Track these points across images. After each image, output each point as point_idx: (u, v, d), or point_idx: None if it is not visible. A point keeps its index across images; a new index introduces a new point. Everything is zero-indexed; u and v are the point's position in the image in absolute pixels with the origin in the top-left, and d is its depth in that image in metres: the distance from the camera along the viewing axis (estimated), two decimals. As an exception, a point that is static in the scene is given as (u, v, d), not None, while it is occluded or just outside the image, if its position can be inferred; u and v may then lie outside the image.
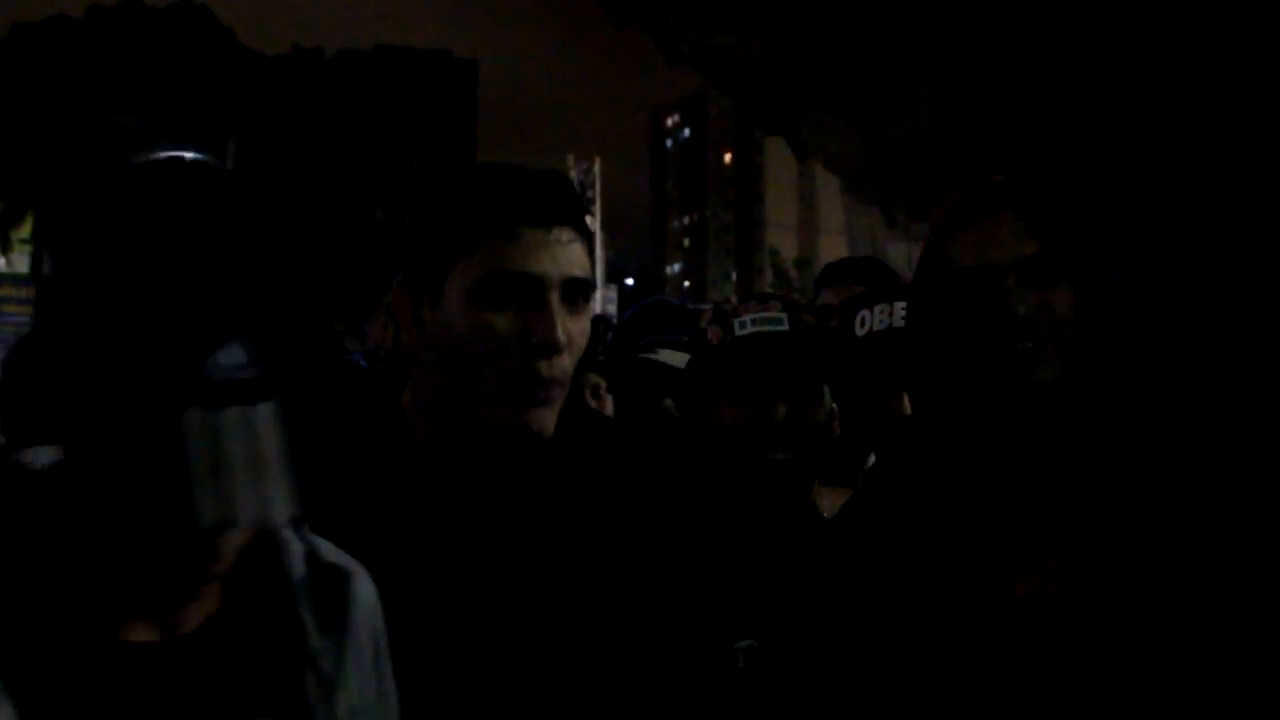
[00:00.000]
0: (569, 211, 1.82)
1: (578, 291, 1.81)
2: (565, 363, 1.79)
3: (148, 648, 1.38)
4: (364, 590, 1.59)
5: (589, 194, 46.83)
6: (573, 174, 46.51)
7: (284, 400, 1.27)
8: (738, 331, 2.35)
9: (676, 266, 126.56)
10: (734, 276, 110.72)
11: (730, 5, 13.35)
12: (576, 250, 1.81)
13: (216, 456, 1.21)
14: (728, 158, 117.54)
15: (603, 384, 4.25)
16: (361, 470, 1.80)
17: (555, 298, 1.77)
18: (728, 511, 2.22)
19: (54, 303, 1.30)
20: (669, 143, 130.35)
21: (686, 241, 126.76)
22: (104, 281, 1.25)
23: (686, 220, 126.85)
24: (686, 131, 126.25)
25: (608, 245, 49.57)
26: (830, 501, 2.44)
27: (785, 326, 2.34)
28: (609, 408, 4.13)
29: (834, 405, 2.43)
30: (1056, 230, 1.92)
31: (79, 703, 1.31)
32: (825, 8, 13.05)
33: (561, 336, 1.76)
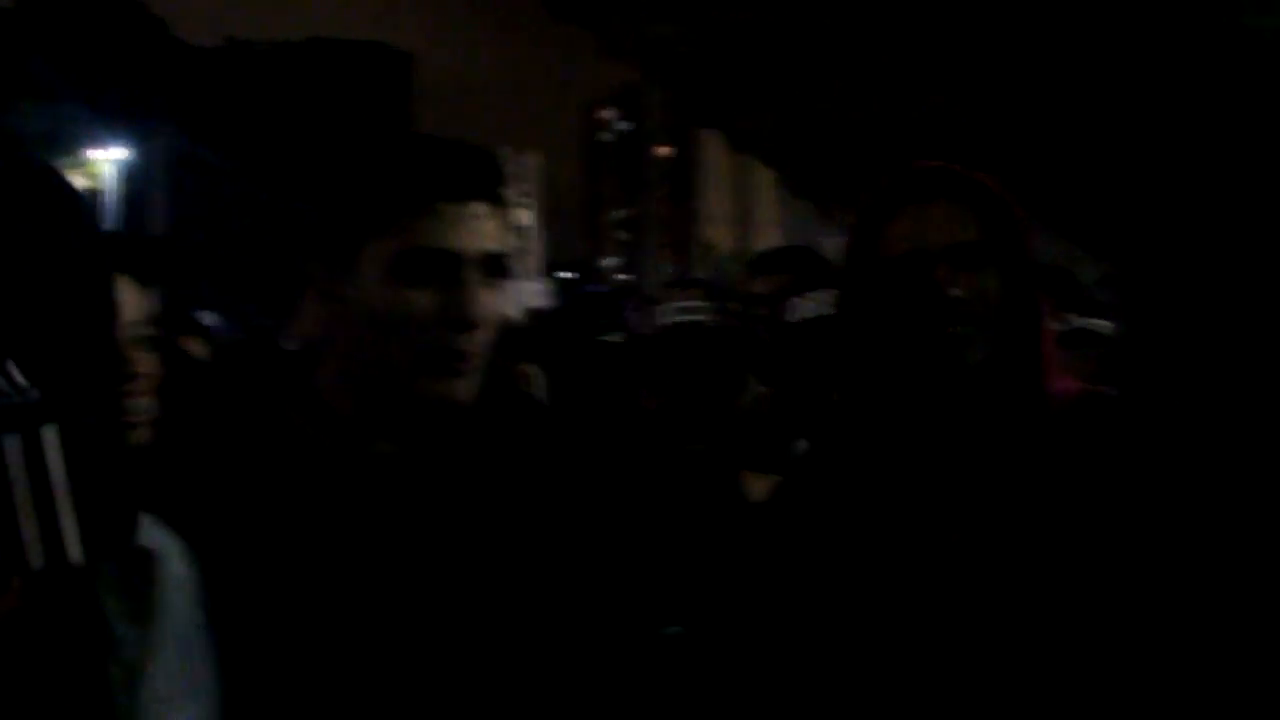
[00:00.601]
0: (486, 185, 1.80)
1: (495, 266, 1.80)
2: (483, 336, 1.78)
3: None
4: (175, 572, 1.55)
5: (525, 187, 46.62)
6: (508, 167, 46.30)
7: (72, 422, 1.16)
8: (659, 320, 2.36)
9: (613, 260, 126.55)
10: (670, 270, 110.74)
11: (667, -2, 13.40)
12: (493, 224, 1.80)
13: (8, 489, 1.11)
14: (664, 151, 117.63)
15: (534, 373, 4.25)
16: (276, 450, 1.79)
17: (473, 273, 1.75)
18: (652, 498, 2.22)
19: None
20: (605, 135, 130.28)
21: (623, 234, 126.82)
22: None
23: (623, 213, 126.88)
24: (624, 124, 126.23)
25: (543, 239, 49.38)
26: (758, 487, 2.44)
27: (706, 316, 2.35)
28: (542, 393, 4.14)
29: (761, 391, 2.44)
30: (991, 214, 1.94)
31: None
32: (763, 1, 13.13)
33: (479, 311, 1.75)
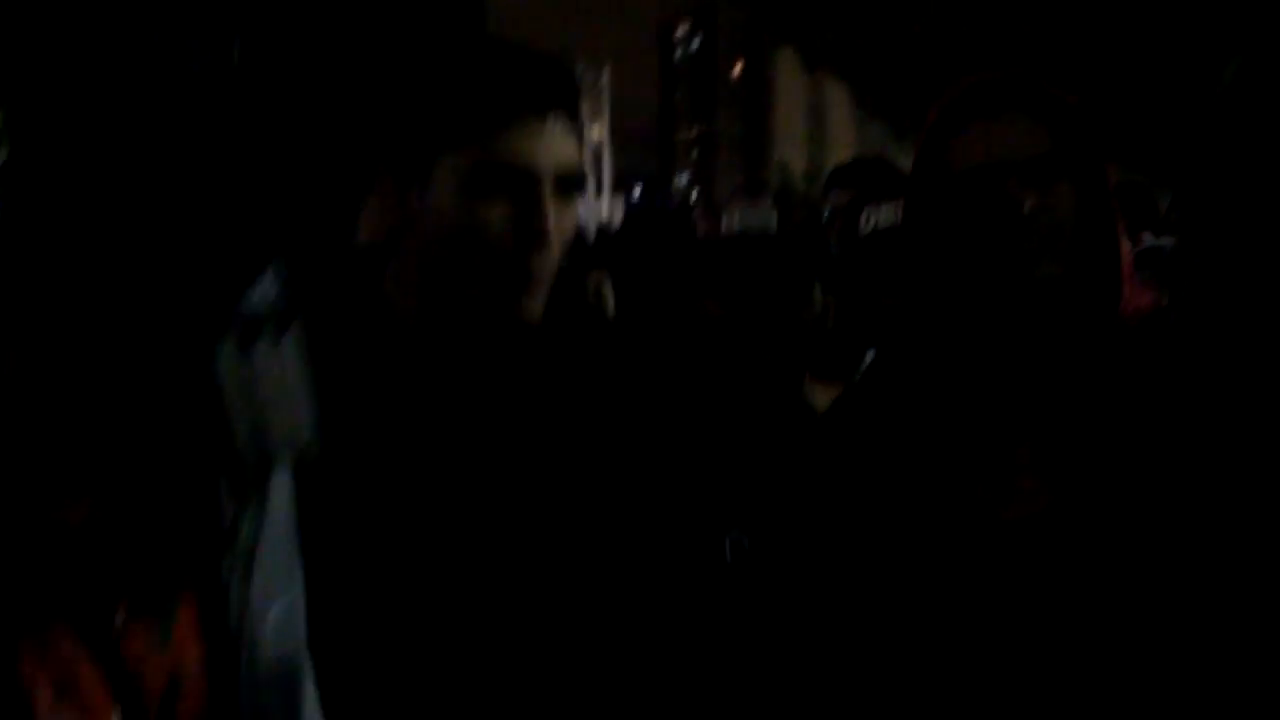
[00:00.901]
0: (564, 99, 1.78)
1: (570, 183, 1.78)
2: (554, 254, 1.77)
3: (71, 527, 1.39)
4: (283, 479, 1.60)
5: (597, 103, 46.39)
6: (581, 82, 46.09)
7: (307, 327, 1.28)
8: (724, 228, 2.35)
9: (684, 178, 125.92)
10: (742, 189, 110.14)
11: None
12: (570, 141, 1.78)
13: (250, 388, 1.24)
14: (737, 68, 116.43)
15: (603, 282, 4.25)
16: (346, 356, 1.80)
17: (547, 190, 1.74)
18: (716, 406, 2.21)
19: (63, 224, 1.27)
20: (678, 52, 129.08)
21: (694, 153, 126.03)
22: (123, 212, 1.23)
23: (695, 131, 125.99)
24: (696, 41, 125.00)
25: (615, 154, 49.20)
26: (824, 397, 2.42)
27: (773, 223, 2.34)
28: (609, 305, 4.14)
29: (826, 301, 2.42)
30: (1064, 127, 1.89)
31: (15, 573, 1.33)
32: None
33: (552, 229, 1.74)
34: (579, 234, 1.92)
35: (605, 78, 46.67)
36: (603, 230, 4.47)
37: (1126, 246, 1.94)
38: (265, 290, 1.28)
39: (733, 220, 2.11)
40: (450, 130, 1.75)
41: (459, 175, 1.74)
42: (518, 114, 1.73)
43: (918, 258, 1.98)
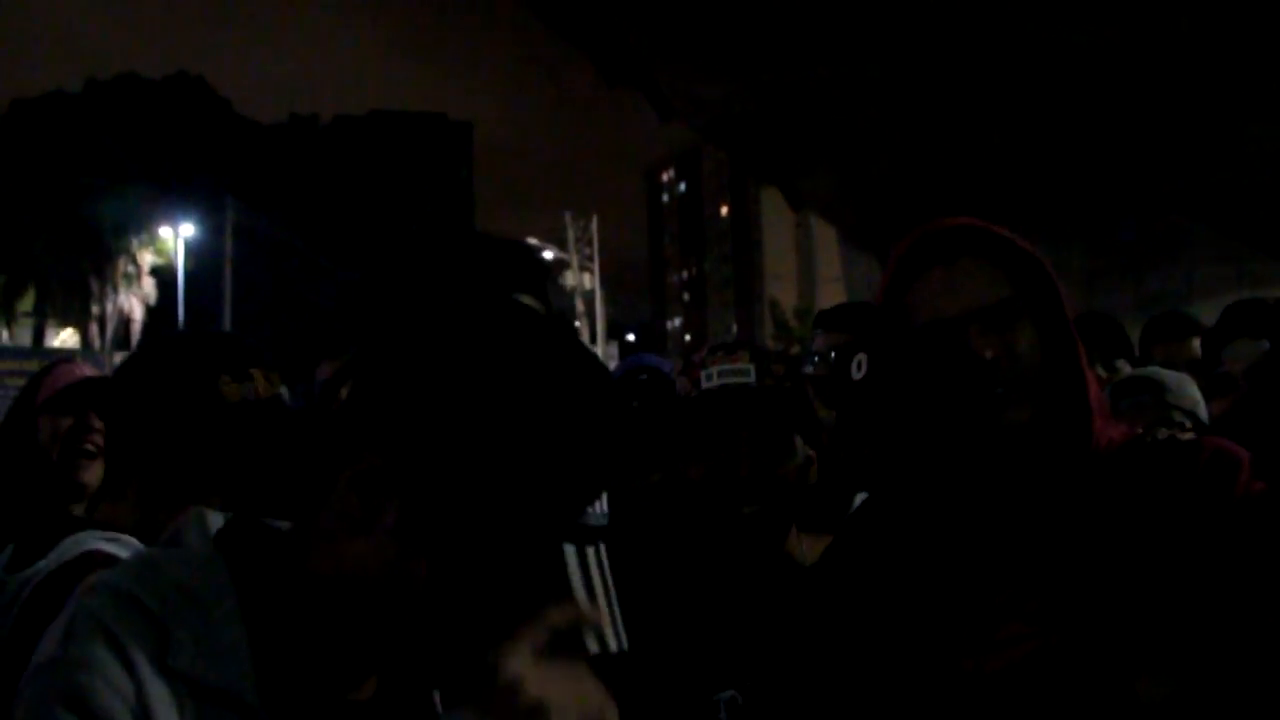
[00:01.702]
0: (529, 281, 1.82)
1: None
2: None
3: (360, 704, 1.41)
4: None
5: (587, 251, 46.87)
6: (570, 232, 46.53)
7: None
8: (704, 385, 2.35)
9: (677, 320, 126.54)
10: (734, 328, 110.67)
11: (719, 59, 13.49)
12: None
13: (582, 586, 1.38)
14: (724, 210, 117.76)
15: None
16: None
17: None
18: (703, 564, 2.21)
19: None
20: (665, 197, 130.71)
21: (686, 295, 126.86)
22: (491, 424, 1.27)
23: (685, 274, 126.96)
24: (682, 186, 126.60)
25: (608, 301, 49.53)
26: (810, 549, 2.40)
27: (751, 379, 2.34)
28: None
29: (810, 453, 2.42)
30: (1021, 270, 1.90)
31: None
32: (814, 57, 13.17)
33: None
34: None
35: (595, 226, 47.21)
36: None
37: (1094, 381, 1.94)
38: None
39: (710, 379, 2.13)
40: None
41: None
42: (484, 294, 1.76)
43: (887, 408, 1.99)
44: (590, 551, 1.45)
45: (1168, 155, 16.28)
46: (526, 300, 1.82)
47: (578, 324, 45.21)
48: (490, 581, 1.27)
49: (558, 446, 1.28)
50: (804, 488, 2.39)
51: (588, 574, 1.42)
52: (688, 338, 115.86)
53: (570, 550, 1.40)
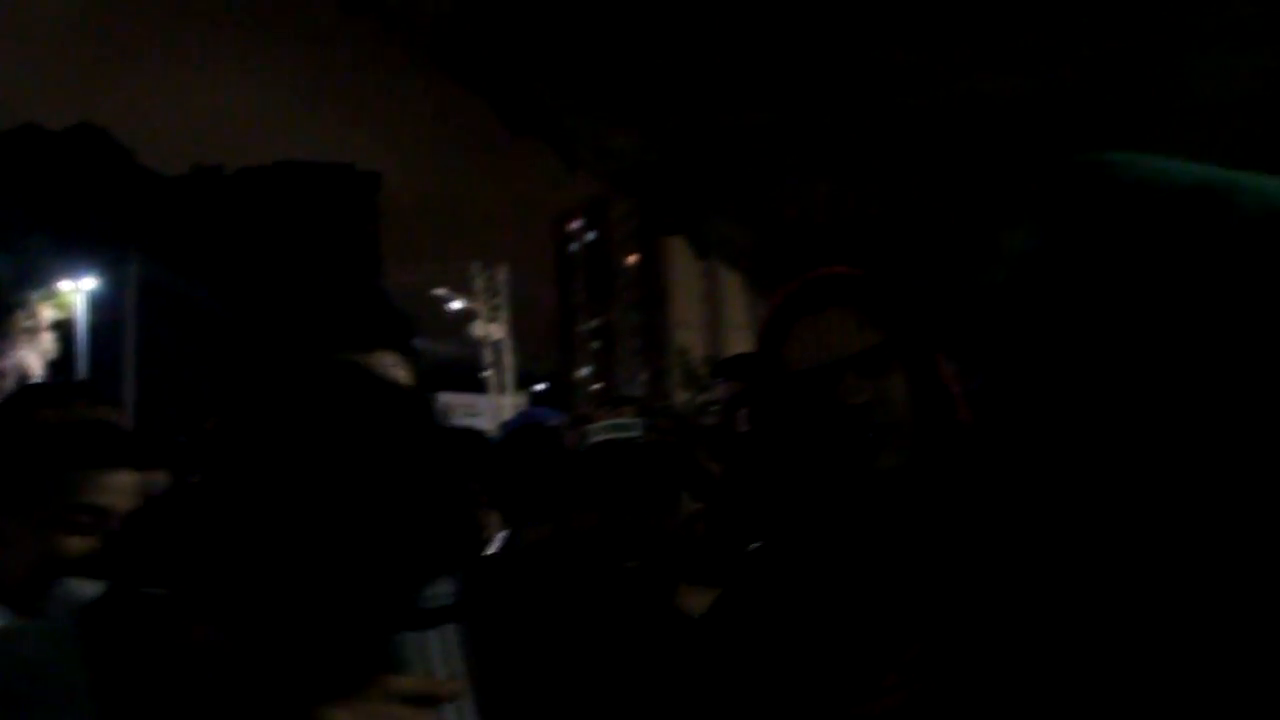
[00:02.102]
0: (390, 335, 1.80)
1: None
2: None
3: None
4: None
5: (495, 301, 46.73)
6: (478, 281, 46.38)
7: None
8: (589, 440, 2.35)
9: (586, 370, 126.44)
10: (644, 377, 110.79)
11: (625, 108, 13.53)
12: (400, 374, 1.78)
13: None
14: (632, 259, 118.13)
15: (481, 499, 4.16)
16: None
17: None
18: (587, 620, 2.19)
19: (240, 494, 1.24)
20: (573, 246, 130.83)
21: (595, 344, 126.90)
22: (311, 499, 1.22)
23: (595, 323, 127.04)
24: (591, 235, 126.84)
25: (516, 352, 49.37)
26: (698, 602, 2.37)
27: (636, 433, 2.34)
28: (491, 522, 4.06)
29: (696, 507, 2.42)
30: (892, 318, 1.91)
31: None
32: (719, 105, 13.27)
33: None
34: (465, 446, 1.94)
35: (502, 276, 47.11)
36: (482, 444, 4.37)
37: (971, 422, 1.94)
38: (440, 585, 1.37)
39: (595, 434, 2.13)
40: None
41: None
42: (344, 351, 1.73)
43: (768, 458, 2.01)
44: (433, 636, 1.41)
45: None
46: (389, 358, 1.79)
47: (487, 374, 45.04)
48: (308, 663, 1.24)
49: (370, 529, 1.23)
50: (690, 541, 2.39)
51: (428, 660, 1.39)
52: (597, 387, 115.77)
53: (410, 636, 1.35)
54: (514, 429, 4.44)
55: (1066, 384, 1.08)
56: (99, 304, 45.76)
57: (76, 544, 2.11)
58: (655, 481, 2.32)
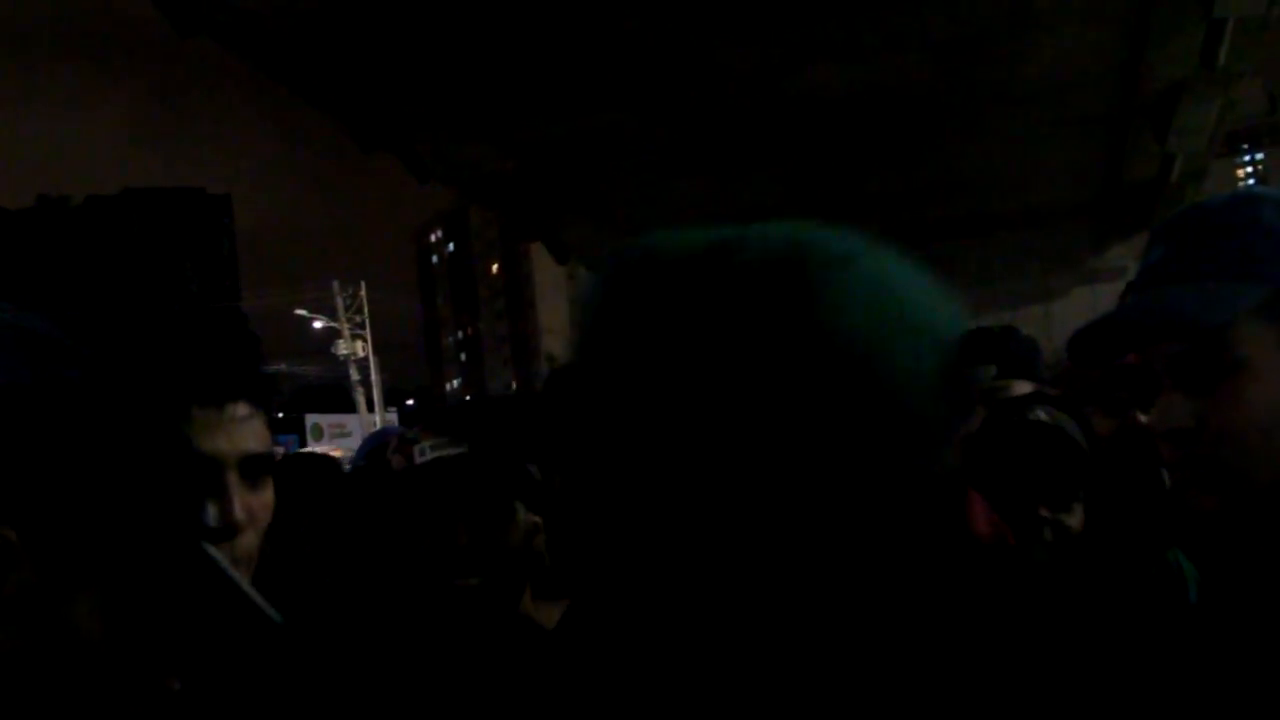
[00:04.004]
0: (242, 386, 1.75)
1: (257, 467, 1.73)
2: (248, 540, 1.70)
3: None
4: None
5: (358, 319, 46.24)
6: (339, 300, 45.87)
7: None
8: (417, 459, 2.30)
9: (456, 382, 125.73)
10: (513, 385, 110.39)
11: (474, 119, 13.56)
12: (254, 425, 1.74)
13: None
14: (495, 267, 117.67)
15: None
16: None
17: (233, 477, 1.69)
18: (429, 640, 2.20)
19: None
20: (434, 259, 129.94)
21: (463, 355, 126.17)
22: None
23: (461, 334, 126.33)
24: (451, 246, 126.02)
25: (383, 368, 48.91)
26: (548, 615, 2.35)
27: (463, 449, 2.29)
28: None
29: (535, 520, 2.36)
30: None
31: None
32: (567, 111, 13.36)
33: (241, 516, 1.68)
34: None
35: (364, 292, 46.60)
36: (335, 471, 4.28)
37: None
38: None
39: (424, 453, 2.12)
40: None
41: None
42: (194, 405, 1.70)
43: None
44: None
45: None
46: (240, 408, 1.73)
47: (357, 393, 44.51)
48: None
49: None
50: (531, 554, 2.36)
51: None
52: (468, 399, 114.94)
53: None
54: (370, 448, 4.40)
55: (609, 472, 1.09)
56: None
57: None
58: (485, 495, 2.30)
